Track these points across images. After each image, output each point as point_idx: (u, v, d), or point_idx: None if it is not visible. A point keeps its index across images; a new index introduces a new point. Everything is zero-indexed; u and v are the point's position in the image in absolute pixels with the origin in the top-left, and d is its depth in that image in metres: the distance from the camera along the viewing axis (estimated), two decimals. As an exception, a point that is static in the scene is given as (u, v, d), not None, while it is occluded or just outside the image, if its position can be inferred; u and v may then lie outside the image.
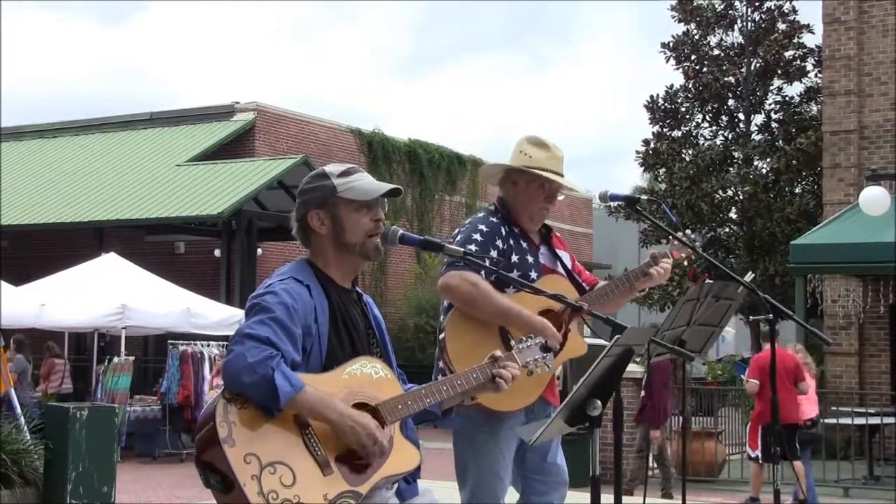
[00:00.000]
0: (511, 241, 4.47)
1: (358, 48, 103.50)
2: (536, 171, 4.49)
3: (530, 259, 4.49)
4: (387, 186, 3.47)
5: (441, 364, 4.34)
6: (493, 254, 4.37)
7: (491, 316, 4.29)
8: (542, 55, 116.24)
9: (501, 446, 4.35)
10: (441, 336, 4.37)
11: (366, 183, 3.45)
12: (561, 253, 4.69)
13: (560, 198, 4.70)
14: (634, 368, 12.77)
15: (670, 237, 4.76)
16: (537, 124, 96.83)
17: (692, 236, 4.78)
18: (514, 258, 4.45)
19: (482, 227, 4.46)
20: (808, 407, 11.75)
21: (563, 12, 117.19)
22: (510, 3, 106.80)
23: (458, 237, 4.48)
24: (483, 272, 4.28)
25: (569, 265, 4.68)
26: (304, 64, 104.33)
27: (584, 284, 4.64)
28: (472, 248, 4.37)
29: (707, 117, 22.28)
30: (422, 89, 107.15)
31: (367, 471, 3.19)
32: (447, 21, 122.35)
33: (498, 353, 3.54)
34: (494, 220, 4.52)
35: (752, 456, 11.56)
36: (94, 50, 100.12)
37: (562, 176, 4.56)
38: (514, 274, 4.36)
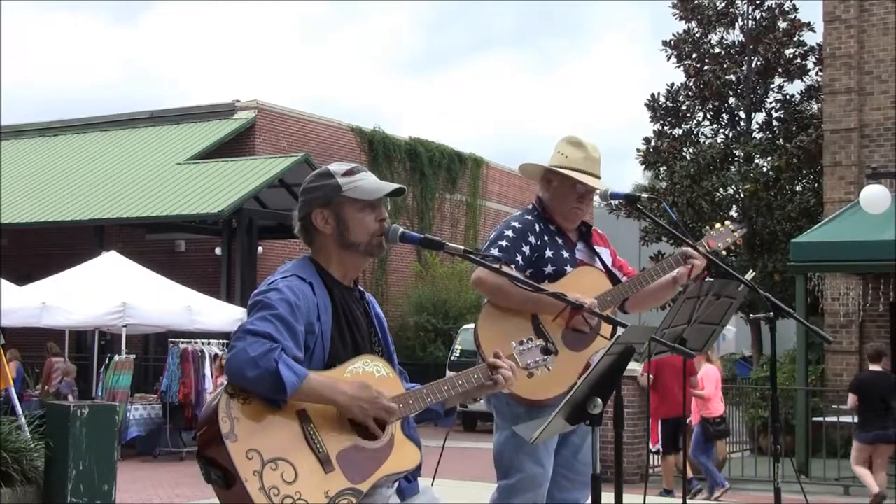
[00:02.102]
0: (545, 238, 4.58)
1: (366, 48, 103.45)
2: (568, 172, 4.59)
3: (566, 254, 4.58)
4: (391, 186, 3.48)
5: (478, 357, 4.41)
6: (526, 250, 4.51)
7: (520, 303, 4.37)
8: (552, 54, 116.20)
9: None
10: (475, 326, 4.49)
11: (370, 182, 3.45)
12: (600, 249, 4.77)
13: (596, 200, 4.76)
14: (636, 367, 12.78)
15: (712, 227, 4.89)
16: (545, 123, 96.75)
17: (732, 227, 4.87)
18: (549, 253, 4.56)
19: (515, 223, 4.59)
20: (718, 404, 12.18)
21: (573, 11, 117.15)
22: (520, 2, 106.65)
23: (493, 234, 4.64)
24: (513, 266, 4.39)
25: (608, 261, 4.75)
26: (313, 64, 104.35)
27: (623, 279, 4.70)
28: (504, 243, 4.51)
29: (708, 115, 22.26)
30: (430, 89, 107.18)
31: (369, 468, 3.20)
32: (455, 20, 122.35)
33: (499, 353, 3.56)
34: (529, 217, 4.63)
35: (654, 451, 11.67)
36: (98, 49, 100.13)
37: (597, 177, 4.64)
38: (549, 268, 4.48)
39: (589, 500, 4.58)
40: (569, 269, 4.54)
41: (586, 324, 4.37)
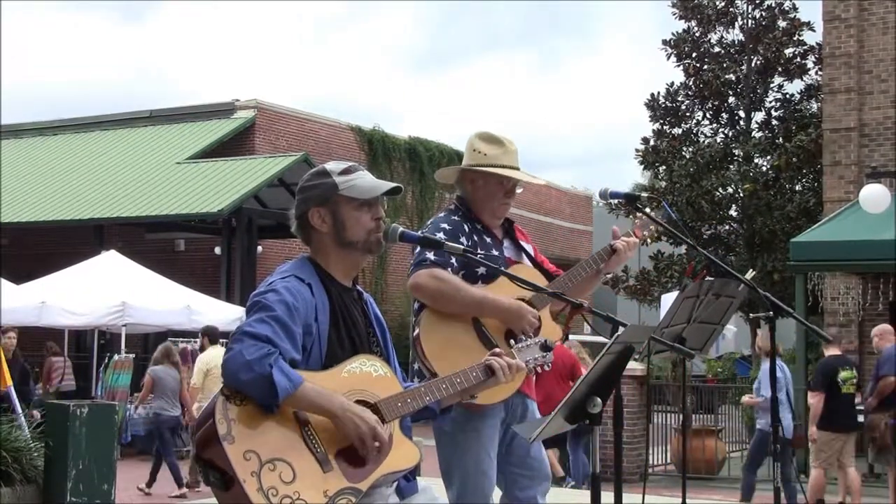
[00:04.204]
0: (475, 238, 4.46)
1: (368, 48, 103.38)
2: (493, 170, 4.49)
3: (495, 253, 4.49)
4: (388, 185, 3.48)
5: (417, 366, 4.30)
6: None
7: (463, 308, 4.28)
8: (554, 54, 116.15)
9: (485, 443, 4.35)
10: (415, 334, 4.32)
11: (367, 181, 3.45)
12: (524, 245, 4.69)
13: (519, 190, 4.67)
14: (635, 366, 12.79)
15: (636, 214, 4.77)
16: (546, 122, 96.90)
17: (653, 213, 4.76)
18: (492, 255, 4.45)
19: (444, 225, 4.45)
20: None
21: (576, 11, 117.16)
22: (522, 1, 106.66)
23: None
24: (449, 269, 4.29)
25: (532, 255, 4.67)
26: (313, 64, 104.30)
27: (550, 273, 4.61)
28: None
29: (707, 115, 22.28)
30: (432, 88, 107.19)
31: (367, 468, 3.20)
32: (456, 20, 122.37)
33: (498, 351, 3.56)
34: (456, 218, 4.51)
35: None
36: (98, 49, 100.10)
37: (518, 169, 4.55)
38: (482, 269, 4.36)
39: (562, 498, 4.59)
40: (500, 267, 4.42)
41: (529, 328, 4.29)
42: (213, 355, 12.51)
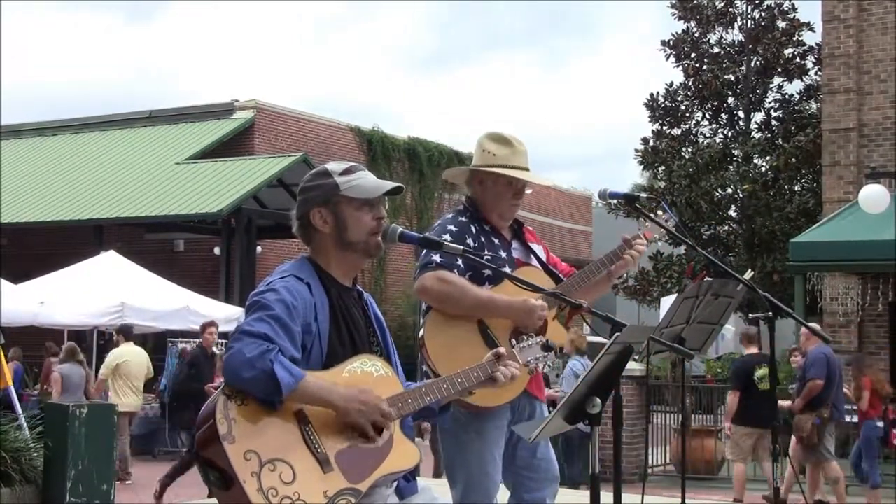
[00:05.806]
0: (482, 239, 4.45)
1: (369, 48, 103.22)
2: (501, 171, 4.47)
3: (503, 255, 4.47)
4: (389, 185, 3.48)
5: (425, 368, 4.31)
6: None
7: (469, 309, 4.28)
8: (555, 54, 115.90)
9: (490, 444, 4.34)
10: (420, 335, 4.34)
11: (368, 181, 3.46)
12: (534, 246, 4.66)
13: (528, 191, 4.66)
14: (634, 366, 12.79)
15: (643, 217, 4.72)
16: (547, 122, 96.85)
17: (664, 216, 4.71)
18: (487, 255, 4.41)
19: (451, 227, 4.44)
20: None
21: (578, 10, 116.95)
22: (524, 1, 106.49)
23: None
24: (455, 270, 4.28)
25: (543, 257, 4.64)
26: (314, 64, 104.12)
27: (560, 276, 4.59)
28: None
29: (707, 115, 22.30)
30: (432, 89, 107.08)
31: (368, 468, 3.20)
32: (457, 21, 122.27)
33: (502, 350, 3.56)
34: (463, 219, 4.50)
35: None
36: (98, 49, 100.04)
37: (527, 170, 4.53)
38: (488, 270, 4.33)
39: (563, 499, 4.57)
40: (507, 269, 4.37)
41: (539, 322, 4.29)
42: (125, 351, 13.06)
